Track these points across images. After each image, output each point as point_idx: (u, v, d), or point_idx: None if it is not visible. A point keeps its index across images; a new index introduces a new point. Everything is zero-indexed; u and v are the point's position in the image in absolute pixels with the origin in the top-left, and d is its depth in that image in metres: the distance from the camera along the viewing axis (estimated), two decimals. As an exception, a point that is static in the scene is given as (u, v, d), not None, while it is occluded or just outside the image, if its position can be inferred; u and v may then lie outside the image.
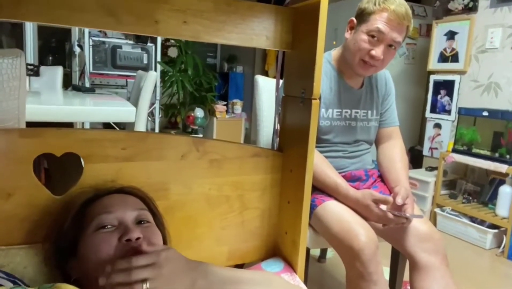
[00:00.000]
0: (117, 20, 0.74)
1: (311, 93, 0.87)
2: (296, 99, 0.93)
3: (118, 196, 0.71)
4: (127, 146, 0.81)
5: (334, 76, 1.34)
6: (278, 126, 1.04)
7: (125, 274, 0.55)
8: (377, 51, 1.20)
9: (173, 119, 4.57)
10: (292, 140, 0.96)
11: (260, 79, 1.57)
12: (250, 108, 4.29)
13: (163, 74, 3.92)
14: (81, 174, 0.77)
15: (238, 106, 4.15)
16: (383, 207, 1.14)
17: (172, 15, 0.80)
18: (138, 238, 0.62)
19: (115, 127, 2.91)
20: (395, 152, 1.38)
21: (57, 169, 0.92)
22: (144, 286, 0.55)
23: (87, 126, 2.80)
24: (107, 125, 3.25)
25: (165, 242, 0.74)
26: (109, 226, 0.64)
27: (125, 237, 0.62)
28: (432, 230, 1.17)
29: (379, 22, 1.18)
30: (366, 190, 1.17)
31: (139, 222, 0.68)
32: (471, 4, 2.68)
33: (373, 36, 1.19)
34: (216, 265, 0.68)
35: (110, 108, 1.31)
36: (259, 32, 0.90)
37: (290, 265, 0.96)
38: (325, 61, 1.36)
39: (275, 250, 1.02)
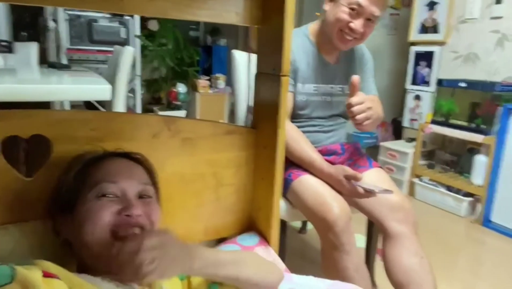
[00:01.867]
0: (79, -2, 0.72)
1: (281, 70, 0.88)
2: (267, 76, 0.93)
3: (125, 163, 0.70)
4: (96, 127, 0.80)
5: (312, 51, 1.33)
6: (251, 103, 1.04)
7: (131, 256, 0.55)
8: (357, 24, 1.20)
9: (157, 94, 4.50)
10: (264, 117, 0.97)
11: (237, 54, 1.55)
12: (234, 91, 4.23)
13: (143, 48, 3.82)
14: (49, 156, 0.77)
15: (221, 81, 4.10)
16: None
17: (136, -8, 0.78)
18: (138, 215, 0.62)
19: (97, 105, 2.87)
20: None
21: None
22: (149, 266, 0.55)
23: (66, 104, 2.74)
24: (88, 104, 3.20)
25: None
26: (111, 195, 0.63)
27: (126, 212, 0.62)
28: (403, 200, 1.21)
29: None
30: (339, 166, 1.20)
31: (142, 196, 0.67)
32: (452, -26, 2.65)
33: (352, 9, 1.19)
34: (209, 248, 0.70)
35: (84, 86, 1.28)
36: (229, 8, 0.89)
37: (265, 238, 0.99)
38: (303, 35, 1.35)
39: (251, 224, 1.04)
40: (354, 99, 1.10)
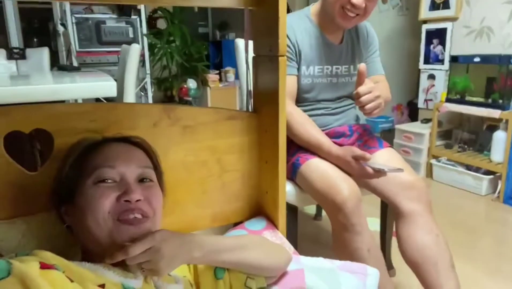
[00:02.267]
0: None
1: (278, 50, 0.86)
2: (264, 58, 0.92)
3: (123, 148, 0.68)
4: (96, 118, 0.81)
5: (314, 32, 1.31)
6: (251, 88, 1.03)
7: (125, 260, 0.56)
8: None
9: (169, 92, 4.54)
10: (264, 100, 0.95)
11: (240, 42, 1.54)
12: (240, 80, 4.22)
13: (151, 47, 3.85)
14: (52, 149, 0.78)
15: (231, 74, 4.09)
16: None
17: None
18: (138, 200, 0.62)
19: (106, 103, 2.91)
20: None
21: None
22: (147, 267, 0.57)
23: (80, 105, 2.79)
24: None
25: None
26: (109, 181, 0.62)
27: (125, 198, 0.61)
28: (415, 178, 1.18)
29: None
30: (348, 147, 1.18)
31: (142, 179, 0.66)
32: None
33: None
34: (208, 235, 0.69)
35: (88, 84, 1.30)
36: (221, -9, 0.88)
37: (272, 222, 0.99)
38: (304, 17, 1.33)
39: (258, 209, 1.04)
40: (362, 89, 1.08)
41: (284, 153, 0.93)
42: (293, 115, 1.22)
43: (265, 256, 0.74)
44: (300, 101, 1.32)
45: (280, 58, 0.87)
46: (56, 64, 2.77)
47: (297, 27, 1.28)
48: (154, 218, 0.64)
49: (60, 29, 3.16)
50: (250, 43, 1.52)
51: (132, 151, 0.69)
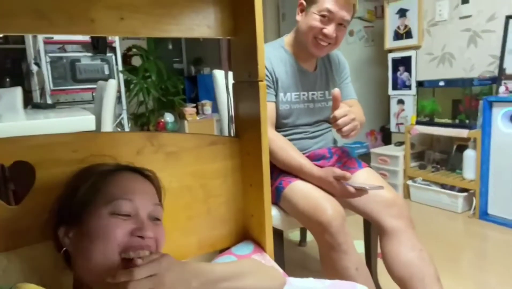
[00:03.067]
0: (50, 23, 0.74)
1: (257, 75, 0.90)
2: (244, 83, 0.95)
3: (138, 181, 0.69)
4: (78, 148, 0.80)
5: (289, 60, 1.37)
6: (232, 113, 1.06)
7: (127, 285, 0.54)
8: (329, 29, 1.25)
9: (146, 127, 4.52)
10: (246, 124, 0.98)
11: (218, 73, 1.58)
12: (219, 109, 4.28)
13: (127, 83, 3.87)
14: (34, 181, 0.77)
15: (207, 107, 4.14)
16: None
17: (107, 13, 0.80)
18: (150, 237, 0.62)
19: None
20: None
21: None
22: None
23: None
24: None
25: None
26: (125, 214, 0.63)
27: (139, 233, 0.61)
28: (395, 196, 1.22)
29: (327, 2, 1.23)
30: (329, 168, 1.21)
31: (152, 218, 0.67)
32: (417, -19, 2.77)
33: (323, 16, 1.24)
34: (205, 263, 0.69)
35: (68, 119, 1.29)
36: (200, 22, 0.92)
37: (260, 245, 0.98)
38: (279, 47, 1.39)
39: (244, 233, 1.03)
40: (338, 112, 1.14)
41: (268, 176, 0.95)
42: (274, 141, 1.25)
43: (261, 281, 0.74)
44: (279, 126, 1.36)
45: (260, 83, 0.90)
46: (30, 102, 2.74)
47: (273, 56, 1.34)
48: None
49: (34, 68, 3.14)
50: (222, 74, 1.57)
51: (146, 185, 0.70)
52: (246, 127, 0.98)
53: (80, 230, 0.62)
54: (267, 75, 1.30)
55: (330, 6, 1.23)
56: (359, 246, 1.56)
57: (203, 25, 0.92)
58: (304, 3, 1.31)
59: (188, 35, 0.91)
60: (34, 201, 0.77)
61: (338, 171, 1.17)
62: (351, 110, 1.18)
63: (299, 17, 1.34)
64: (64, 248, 0.65)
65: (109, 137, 0.85)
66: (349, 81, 1.50)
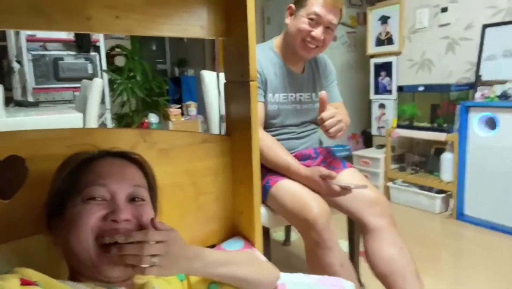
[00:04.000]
0: (47, 19, 0.75)
1: (249, 76, 0.92)
2: (236, 84, 0.98)
3: (117, 164, 0.67)
4: (72, 144, 0.81)
5: (278, 62, 1.40)
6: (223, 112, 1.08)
7: (138, 246, 0.55)
8: (317, 32, 1.29)
9: (129, 127, 4.48)
10: (237, 123, 1.00)
11: (206, 74, 1.60)
12: (205, 109, 4.29)
13: (111, 82, 3.83)
14: (26, 176, 0.77)
15: (192, 108, 4.14)
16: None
17: (103, 11, 0.82)
18: (126, 220, 0.60)
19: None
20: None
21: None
22: (153, 260, 0.55)
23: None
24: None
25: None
26: (99, 199, 0.61)
27: (112, 217, 0.60)
28: (378, 195, 1.27)
29: (315, 6, 1.27)
30: (315, 167, 1.25)
31: (133, 198, 0.64)
32: (399, -11, 2.86)
33: (312, 19, 1.28)
34: (208, 249, 0.69)
35: (55, 116, 1.28)
36: (193, 23, 0.94)
37: (249, 242, 1.01)
38: (268, 49, 1.43)
39: (234, 230, 1.06)
40: (325, 114, 1.18)
41: (258, 173, 0.98)
42: (262, 140, 1.27)
43: (257, 271, 0.76)
44: (267, 126, 1.39)
45: (251, 83, 0.93)
46: (12, 100, 2.68)
47: (262, 58, 1.37)
48: None
49: (16, 66, 3.08)
50: (210, 74, 1.59)
51: (127, 168, 0.67)
52: (237, 126, 1.00)
53: (62, 222, 0.62)
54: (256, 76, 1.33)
55: (318, 9, 1.27)
56: (343, 245, 1.61)
57: (196, 25, 0.94)
58: (293, 7, 1.35)
59: (181, 35, 0.93)
60: (26, 196, 0.77)
61: (324, 170, 1.20)
62: (338, 111, 1.22)
63: (288, 20, 1.37)
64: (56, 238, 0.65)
65: (103, 133, 0.86)
66: (335, 84, 1.54)
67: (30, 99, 3.08)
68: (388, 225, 1.22)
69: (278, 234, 2.18)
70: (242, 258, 0.76)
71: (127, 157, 0.70)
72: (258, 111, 1.07)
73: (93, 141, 0.84)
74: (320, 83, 1.49)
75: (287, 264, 1.88)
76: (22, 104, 2.24)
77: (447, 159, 2.43)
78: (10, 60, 3.14)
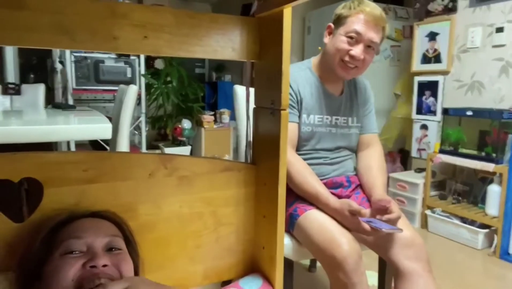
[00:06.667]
0: (71, 38, 0.72)
1: (280, 104, 0.85)
2: (266, 110, 0.91)
3: (91, 221, 0.69)
4: (89, 168, 0.78)
5: (315, 82, 1.33)
6: (251, 138, 1.02)
7: None
8: (357, 51, 1.21)
9: (163, 131, 4.53)
10: (264, 152, 0.93)
11: (239, 89, 1.55)
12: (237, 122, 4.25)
13: (148, 86, 3.89)
14: (41, 199, 0.74)
15: (225, 116, 4.11)
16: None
17: (131, 30, 0.78)
18: (104, 265, 0.61)
19: (102, 143, 2.87)
20: (372, 159, 1.37)
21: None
22: None
23: (72, 144, 2.76)
24: (93, 141, 3.21)
25: (136, 271, 0.71)
26: (76, 252, 0.62)
27: (90, 263, 0.60)
28: (414, 235, 1.15)
29: (356, 23, 1.20)
30: (345, 200, 1.15)
31: (110, 249, 0.65)
32: (450, 5, 2.69)
33: (351, 38, 1.21)
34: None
35: (85, 126, 1.28)
36: (224, 44, 0.88)
37: (268, 280, 0.93)
38: (305, 68, 1.36)
39: (253, 266, 0.99)
40: (393, 216, 1.13)
41: (283, 208, 0.90)
42: (292, 163, 1.20)
43: None
44: (299, 149, 1.31)
45: (282, 112, 0.86)
46: (52, 101, 2.77)
47: (299, 77, 1.30)
48: None
49: (58, 66, 3.19)
50: (243, 89, 1.53)
51: (100, 222, 0.69)
52: (265, 155, 0.94)
53: (42, 281, 0.62)
54: (291, 95, 1.26)
55: (358, 27, 1.20)
56: (372, 277, 1.49)
57: (228, 47, 0.88)
58: (333, 26, 1.28)
59: (211, 57, 0.88)
60: (39, 219, 0.75)
61: (354, 205, 1.11)
62: (395, 206, 1.16)
63: (326, 40, 1.31)
64: None
65: (122, 158, 0.82)
66: (373, 114, 1.44)
67: (70, 99, 3.18)
68: (423, 270, 1.10)
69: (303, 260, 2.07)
70: None
71: (100, 215, 0.72)
72: (289, 132, 1.00)
73: (112, 166, 0.81)
74: (357, 109, 1.39)
75: (311, 292, 1.78)
76: (60, 106, 2.29)
77: (494, 191, 2.24)
78: (53, 61, 3.26)
